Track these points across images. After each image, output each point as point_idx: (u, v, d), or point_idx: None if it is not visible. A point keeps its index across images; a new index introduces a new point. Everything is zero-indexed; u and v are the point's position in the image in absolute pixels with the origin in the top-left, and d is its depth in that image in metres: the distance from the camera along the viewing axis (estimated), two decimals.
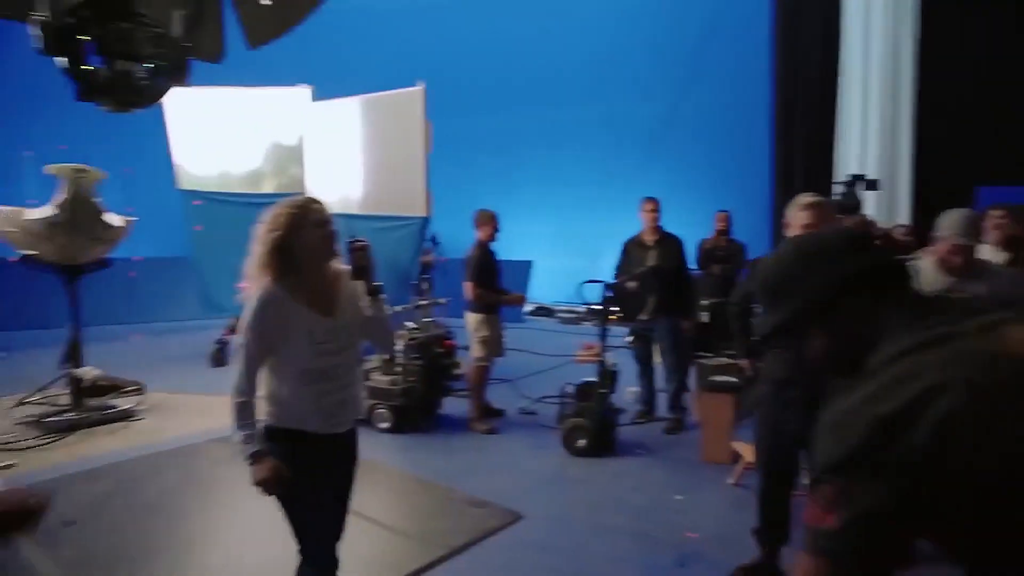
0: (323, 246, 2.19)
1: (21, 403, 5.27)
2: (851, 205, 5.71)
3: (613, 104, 11.21)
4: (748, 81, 9.95)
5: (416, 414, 5.32)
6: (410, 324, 5.55)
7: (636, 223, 5.60)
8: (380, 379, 5.34)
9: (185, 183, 7.83)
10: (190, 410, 5.75)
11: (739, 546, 3.39)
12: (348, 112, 7.42)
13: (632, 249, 5.46)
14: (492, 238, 5.43)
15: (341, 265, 2.31)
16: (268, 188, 7.71)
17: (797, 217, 2.90)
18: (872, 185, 6.32)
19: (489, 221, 5.41)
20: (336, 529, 2.39)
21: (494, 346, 5.39)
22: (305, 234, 2.14)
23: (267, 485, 2.12)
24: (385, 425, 5.24)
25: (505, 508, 3.89)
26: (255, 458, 2.11)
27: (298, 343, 2.14)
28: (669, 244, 5.41)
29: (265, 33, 5.48)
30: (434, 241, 8.14)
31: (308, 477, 2.20)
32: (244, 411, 2.13)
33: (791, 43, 9.01)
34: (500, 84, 11.76)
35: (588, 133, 11.40)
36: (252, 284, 2.19)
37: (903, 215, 8.03)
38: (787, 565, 3.22)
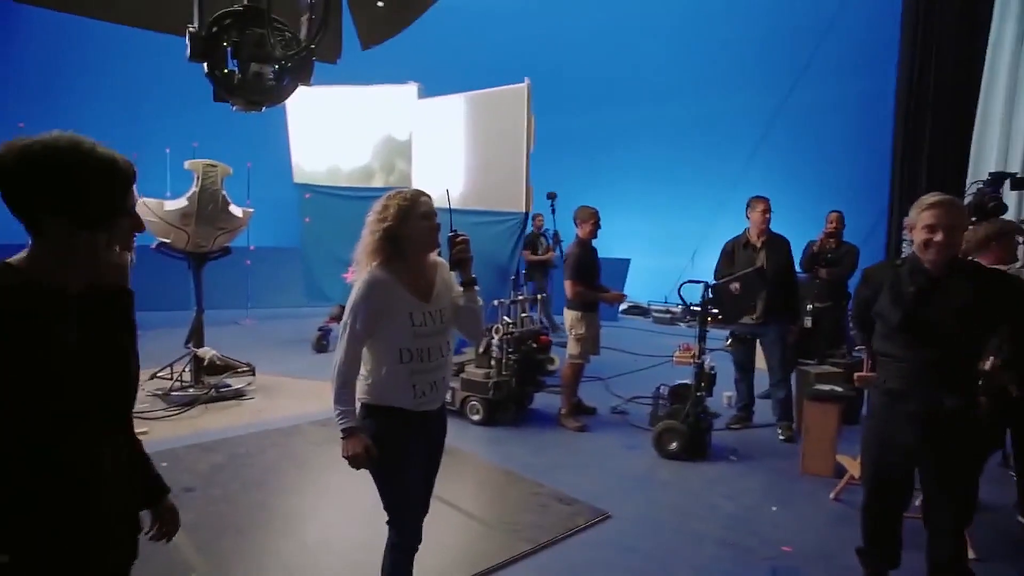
0: (427, 236, 2.34)
1: (153, 377, 5.79)
2: (989, 206, 5.21)
3: (717, 101, 10.87)
4: (868, 74, 9.35)
5: (508, 408, 5.39)
6: (507, 319, 5.61)
7: (736, 223, 5.41)
8: (474, 372, 5.44)
9: (299, 177, 8.30)
10: (294, 393, 6.09)
11: (839, 565, 3.23)
12: (453, 109, 7.58)
13: (737, 250, 5.28)
14: (592, 235, 5.40)
15: (438, 256, 2.45)
16: (376, 183, 8.03)
17: (921, 218, 2.64)
18: (1021, 183, 5.70)
19: (589, 218, 5.38)
20: (423, 502, 2.51)
21: (591, 344, 5.36)
22: (412, 224, 2.30)
23: (356, 460, 2.27)
24: (477, 417, 5.34)
25: (593, 507, 3.87)
26: (348, 433, 2.26)
27: (398, 324, 2.27)
28: (778, 245, 5.20)
29: (378, 34, 5.72)
30: (556, 239, 8.21)
31: (401, 450, 2.34)
32: (344, 388, 2.28)
33: (926, 32, 8.35)
34: (602, 81, 11.67)
35: (690, 131, 11.11)
36: (360, 269, 2.35)
37: None
38: None
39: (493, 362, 5.35)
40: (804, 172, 9.94)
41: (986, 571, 3.06)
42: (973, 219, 5.13)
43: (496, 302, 5.51)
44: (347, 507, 3.75)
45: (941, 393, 2.65)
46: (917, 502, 2.95)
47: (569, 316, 5.33)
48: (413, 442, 2.38)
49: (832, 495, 4.11)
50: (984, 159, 7.47)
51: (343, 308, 2.37)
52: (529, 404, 5.68)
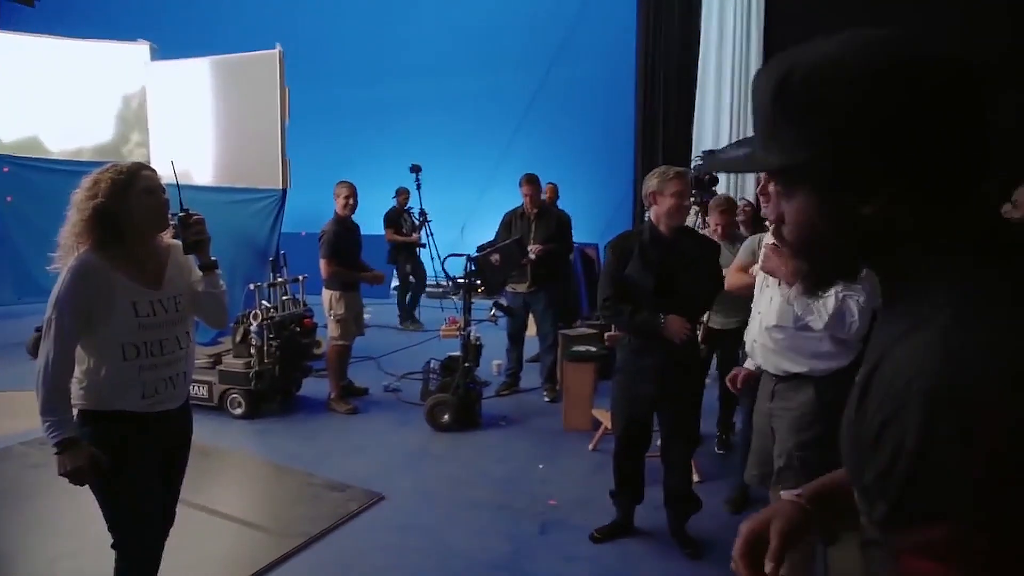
0: (151, 216, 2.08)
1: None
2: (705, 179, 5.97)
3: (483, 77, 11.11)
4: (613, 59, 10.19)
5: (273, 398, 5.04)
6: (266, 303, 5.22)
7: (504, 195, 5.60)
8: (233, 362, 5.00)
9: None
10: (1, 409, 5.08)
11: (597, 509, 3.52)
12: (196, 74, 6.79)
13: (514, 221, 5.49)
14: (349, 211, 5.20)
15: (170, 237, 2.21)
16: (99, 155, 6.91)
17: (669, 186, 2.94)
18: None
19: (342, 194, 5.18)
20: (162, 520, 2.24)
21: (351, 325, 5.19)
22: (131, 202, 2.03)
23: (78, 474, 1.95)
24: (239, 411, 4.92)
25: (366, 489, 3.78)
26: (64, 445, 1.93)
27: (118, 316, 2.02)
28: (548, 217, 5.48)
29: None
30: (424, 217, 7.73)
31: (128, 460, 2.06)
32: (54, 394, 1.96)
33: (656, 26, 9.30)
34: (369, 54, 11.36)
35: (458, 106, 11.26)
36: (66, 254, 2.05)
37: (750, 193, 8.58)
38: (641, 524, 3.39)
39: (253, 350, 4.95)
40: (563, 147, 10.60)
41: (707, 489, 3.63)
42: (693, 191, 5.87)
43: (252, 285, 5.09)
44: (80, 535, 3.20)
45: (673, 345, 3.00)
46: (657, 442, 3.32)
47: (327, 296, 5.10)
48: (145, 448, 2.11)
49: (590, 446, 4.47)
50: (703, 138, 8.61)
51: None
52: (297, 391, 5.37)
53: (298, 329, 5.17)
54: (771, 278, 2.48)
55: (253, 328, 4.93)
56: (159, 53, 7.07)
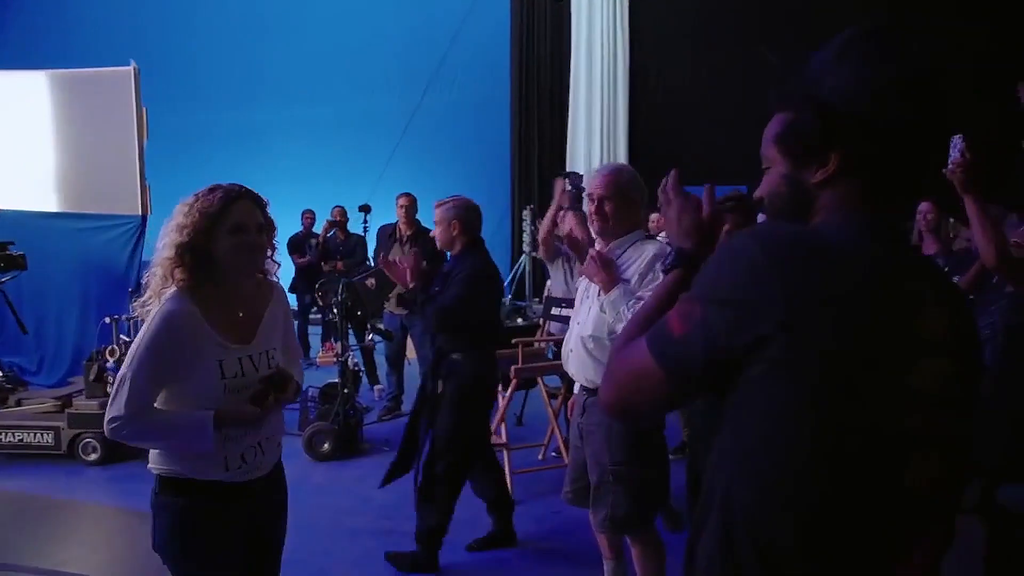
0: (234, 259, 1.76)
1: None
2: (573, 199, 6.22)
3: (356, 101, 11.05)
4: (488, 82, 10.43)
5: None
6: (125, 338, 4.85)
7: (381, 220, 5.56)
8: (87, 404, 4.61)
9: None
10: None
11: (477, 524, 3.55)
12: (32, 88, 6.24)
13: (387, 241, 5.44)
14: None
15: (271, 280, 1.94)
16: None
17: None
18: (576, 180, 6.97)
19: None
20: None
21: None
22: (218, 240, 1.73)
23: (260, 399, 1.77)
24: (94, 457, 4.52)
25: None
26: (220, 419, 1.70)
27: (201, 377, 1.72)
28: (424, 237, 5.45)
29: None
30: None
31: (211, 537, 1.78)
32: (152, 428, 1.74)
33: (526, 40, 9.61)
34: (236, 76, 11.01)
35: (331, 130, 11.11)
36: (154, 296, 1.75)
37: None
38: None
39: (110, 389, 4.58)
40: (441, 169, 10.66)
41: None
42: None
43: (108, 319, 4.73)
44: None
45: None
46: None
47: None
48: (229, 523, 1.80)
49: None
50: (576, 157, 9.00)
51: None
52: None
53: None
54: (593, 287, 2.41)
55: (110, 365, 4.57)
56: None
